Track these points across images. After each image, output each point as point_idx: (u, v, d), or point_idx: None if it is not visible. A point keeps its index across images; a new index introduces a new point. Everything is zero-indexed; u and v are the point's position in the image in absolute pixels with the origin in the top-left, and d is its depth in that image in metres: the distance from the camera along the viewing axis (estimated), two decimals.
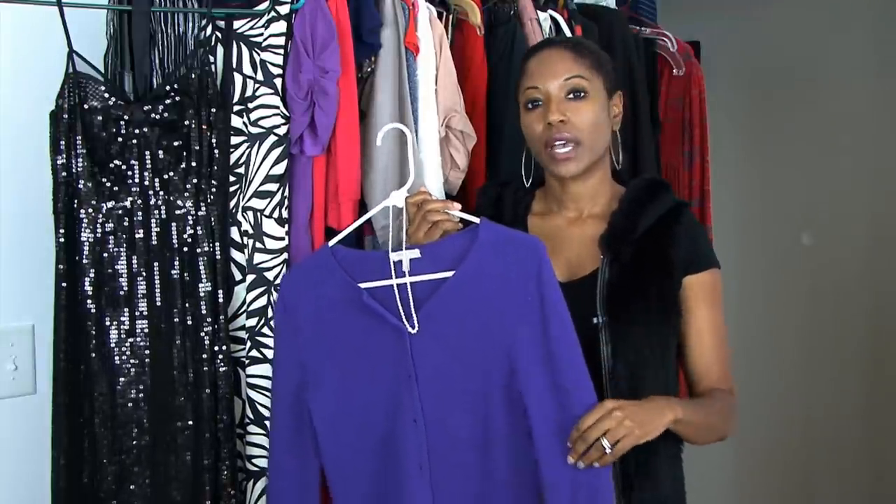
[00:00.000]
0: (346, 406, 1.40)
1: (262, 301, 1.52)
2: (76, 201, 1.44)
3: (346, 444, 1.41)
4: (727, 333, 1.52)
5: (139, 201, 1.47)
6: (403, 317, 1.36)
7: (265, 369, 1.53)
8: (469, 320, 1.35)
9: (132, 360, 1.46)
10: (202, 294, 1.48)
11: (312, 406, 1.41)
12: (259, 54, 1.53)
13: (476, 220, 1.38)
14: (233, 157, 1.53)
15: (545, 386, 1.32)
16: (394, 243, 1.42)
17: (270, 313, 1.52)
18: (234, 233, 1.54)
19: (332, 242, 1.43)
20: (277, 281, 1.52)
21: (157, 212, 1.47)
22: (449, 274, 1.36)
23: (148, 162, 1.47)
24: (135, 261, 1.46)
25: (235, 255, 1.54)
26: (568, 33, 2.07)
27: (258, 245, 1.52)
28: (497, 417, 1.35)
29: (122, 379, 1.46)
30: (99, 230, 1.45)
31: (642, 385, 1.42)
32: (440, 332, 1.36)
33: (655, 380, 1.44)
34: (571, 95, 1.48)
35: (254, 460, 1.54)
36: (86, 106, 1.45)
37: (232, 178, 1.53)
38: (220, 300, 1.50)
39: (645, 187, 1.53)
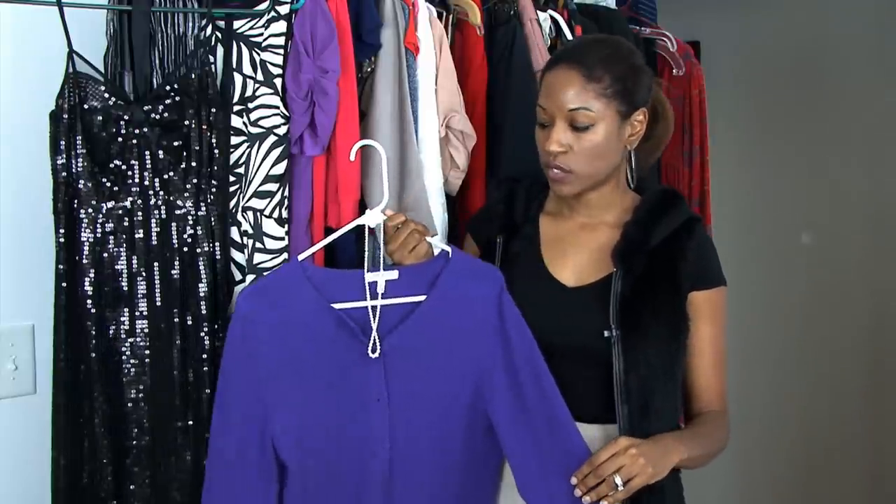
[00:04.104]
0: (311, 431, 1.37)
1: None
2: (76, 201, 1.44)
3: (312, 468, 1.38)
4: (725, 351, 1.51)
5: (139, 201, 1.47)
6: (378, 340, 1.35)
7: None
8: (439, 344, 1.37)
9: (132, 360, 1.46)
10: (202, 294, 1.48)
11: (274, 429, 1.36)
12: (259, 54, 1.53)
13: (447, 247, 1.41)
14: (233, 157, 1.53)
15: (512, 401, 1.37)
16: (370, 263, 1.40)
17: None
18: (234, 233, 1.54)
19: (301, 257, 1.40)
20: None
21: (157, 212, 1.47)
22: (421, 298, 1.37)
23: (148, 162, 1.47)
24: (135, 261, 1.46)
25: (235, 255, 1.54)
26: (568, 33, 2.07)
27: (258, 245, 1.52)
28: (459, 438, 1.38)
29: (122, 379, 1.46)
30: (99, 230, 1.45)
31: (653, 398, 1.42)
32: (412, 355, 1.36)
33: (665, 393, 1.44)
34: (575, 125, 1.42)
35: None
36: (86, 106, 1.45)
37: (232, 178, 1.53)
38: (220, 300, 1.50)
39: (659, 199, 1.52)
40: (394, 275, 1.38)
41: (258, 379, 1.36)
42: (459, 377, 1.37)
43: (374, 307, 1.36)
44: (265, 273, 1.51)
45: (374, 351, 1.35)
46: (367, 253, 1.43)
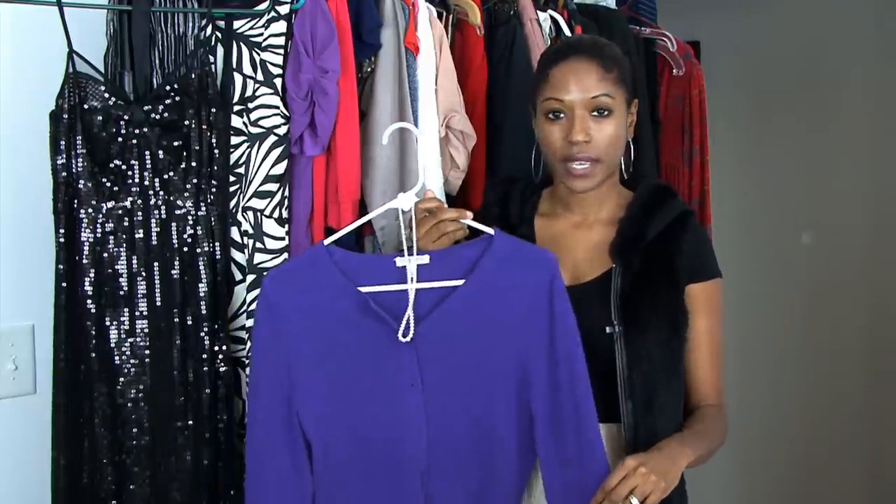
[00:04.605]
0: (340, 416, 1.35)
1: None
2: (76, 201, 1.44)
3: (340, 456, 1.36)
4: (722, 344, 1.51)
5: (139, 201, 1.47)
6: (410, 324, 1.32)
7: None
8: (477, 330, 1.34)
9: (132, 360, 1.46)
10: (202, 294, 1.48)
11: (303, 416, 1.34)
12: (259, 54, 1.54)
13: (490, 230, 1.37)
14: (233, 157, 1.54)
15: (550, 393, 1.34)
16: (399, 248, 1.37)
17: None
18: (234, 233, 1.54)
19: (327, 241, 1.38)
20: None
21: (157, 212, 1.48)
22: (459, 282, 1.34)
23: (148, 162, 1.47)
24: (135, 261, 1.46)
25: (235, 255, 1.54)
26: (568, 33, 2.08)
27: (258, 245, 1.52)
28: (501, 427, 1.35)
29: (122, 379, 1.46)
30: (99, 230, 1.45)
31: (656, 394, 1.42)
32: (447, 341, 1.34)
33: (668, 387, 1.44)
34: (596, 113, 1.43)
35: None
36: (86, 106, 1.45)
37: (232, 178, 1.53)
38: (220, 300, 1.50)
39: (653, 193, 1.52)
40: (424, 259, 1.35)
41: (288, 365, 1.34)
42: (501, 365, 1.34)
43: (408, 291, 1.33)
44: (265, 273, 1.51)
45: (405, 335, 1.32)
46: (396, 236, 1.38)
